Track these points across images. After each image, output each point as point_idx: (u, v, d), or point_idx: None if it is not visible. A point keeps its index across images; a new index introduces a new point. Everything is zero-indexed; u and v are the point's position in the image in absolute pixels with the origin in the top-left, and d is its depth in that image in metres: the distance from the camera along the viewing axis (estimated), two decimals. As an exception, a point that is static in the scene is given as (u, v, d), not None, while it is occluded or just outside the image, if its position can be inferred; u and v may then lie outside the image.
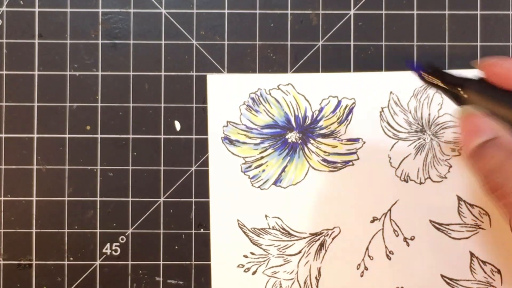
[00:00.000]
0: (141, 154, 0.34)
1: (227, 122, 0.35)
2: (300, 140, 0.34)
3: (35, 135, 0.34)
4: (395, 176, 0.34)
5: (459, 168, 0.34)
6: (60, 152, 0.34)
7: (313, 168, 0.34)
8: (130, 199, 0.34)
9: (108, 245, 0.34)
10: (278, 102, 0.35)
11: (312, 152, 0.34)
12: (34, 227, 0.34)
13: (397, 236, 0.34)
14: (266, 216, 0.34)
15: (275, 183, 0.35)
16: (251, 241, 0.34)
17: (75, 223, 0.34)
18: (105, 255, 0.34)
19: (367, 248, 0.34)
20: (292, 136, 0.34)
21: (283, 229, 0.34)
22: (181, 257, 0.34)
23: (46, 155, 0.34)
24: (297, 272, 0.34)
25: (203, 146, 0.34)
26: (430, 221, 0.34)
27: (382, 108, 0.34)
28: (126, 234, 0.34)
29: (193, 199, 0.34)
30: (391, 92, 0.34)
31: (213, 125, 0.34)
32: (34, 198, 0.34)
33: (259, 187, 0.34)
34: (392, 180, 0.34)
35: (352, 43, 0.34)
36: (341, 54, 0.34)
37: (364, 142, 0.34)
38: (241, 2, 0.35)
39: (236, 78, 0.35)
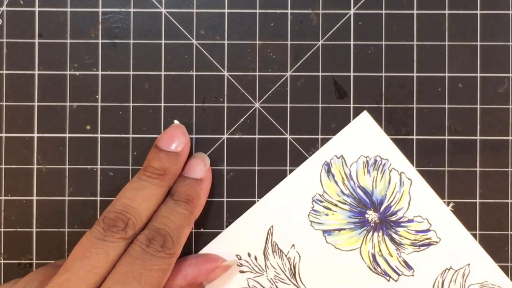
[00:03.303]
0: (141, 153, 0.34)
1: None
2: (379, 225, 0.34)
3: (35, 135, 0.34)
4: None
5: None
6: (60, 152, 0.34)
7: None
8: (130, 198, 0.34)
9: (108, 244, 0.34)
10: (383, 177, 0.34)
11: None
12: (34, 226, 0.34)
13: None
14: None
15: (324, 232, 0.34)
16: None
17: (76, 223, 0.34)
18: (105, 255, 0.34)
19: None
20: (371, 216, 0.34)
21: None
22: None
23: (46, 155, 0.34)
24: None
25: (202, 146, 0.34)
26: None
27: None
28: (126, 233, 0.34)
29: (193, 199, 0.34)
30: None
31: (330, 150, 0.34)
32: (35, 198, 0.34)
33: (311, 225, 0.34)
34: None
35: (352, 42, 0.34)
36: (341, 53, 0.34)
37: None
38: (241, 2, 0.34)
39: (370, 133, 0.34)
